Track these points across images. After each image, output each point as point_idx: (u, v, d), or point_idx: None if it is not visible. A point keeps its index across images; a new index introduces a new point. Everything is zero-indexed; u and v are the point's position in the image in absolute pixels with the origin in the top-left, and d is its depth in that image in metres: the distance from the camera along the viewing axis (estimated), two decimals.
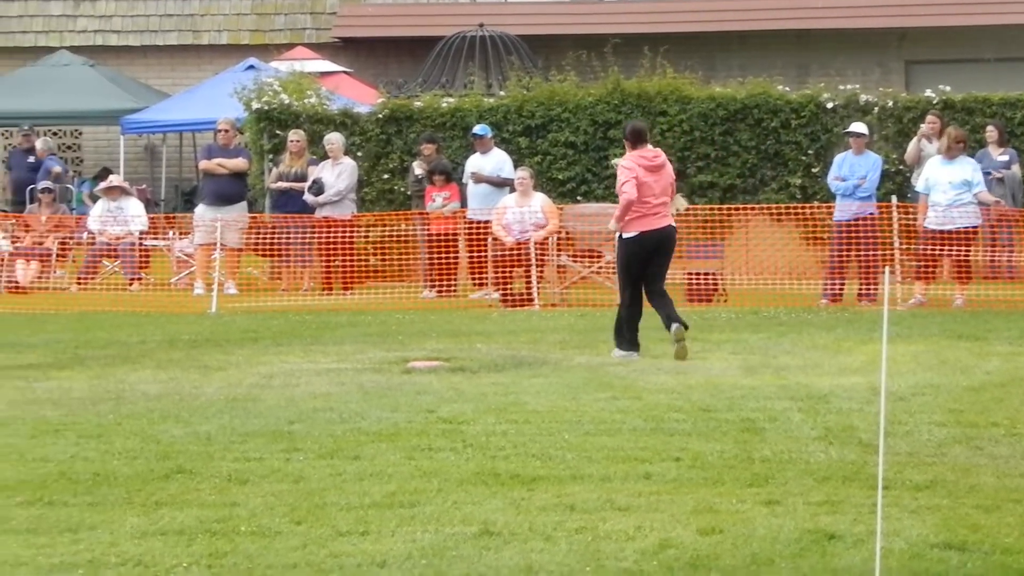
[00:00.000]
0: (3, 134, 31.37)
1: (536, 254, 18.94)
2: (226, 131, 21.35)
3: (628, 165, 13.96)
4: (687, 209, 16.68)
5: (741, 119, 21.80)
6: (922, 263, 18.45)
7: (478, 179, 20.22)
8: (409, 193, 21.18)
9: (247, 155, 21.57)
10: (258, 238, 20.92)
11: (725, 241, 20.09)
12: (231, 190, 21.03)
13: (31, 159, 26.46)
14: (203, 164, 21.21)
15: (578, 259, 19.87)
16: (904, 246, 18.83)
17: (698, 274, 19.13)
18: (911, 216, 18.82)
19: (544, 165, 21.63)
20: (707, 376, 12.67)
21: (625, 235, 13.99)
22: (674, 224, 14.33)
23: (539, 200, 19.45)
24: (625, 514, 7.90)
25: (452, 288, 19.93)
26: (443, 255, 19.92)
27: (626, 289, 14.08)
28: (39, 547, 7.38)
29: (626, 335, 14.02)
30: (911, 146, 20.45)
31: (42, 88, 28.85)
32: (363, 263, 20.61)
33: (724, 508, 8.01)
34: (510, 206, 19.52)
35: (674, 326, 13.76)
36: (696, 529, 7.57)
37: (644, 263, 14.04)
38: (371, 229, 20.77)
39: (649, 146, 14.27)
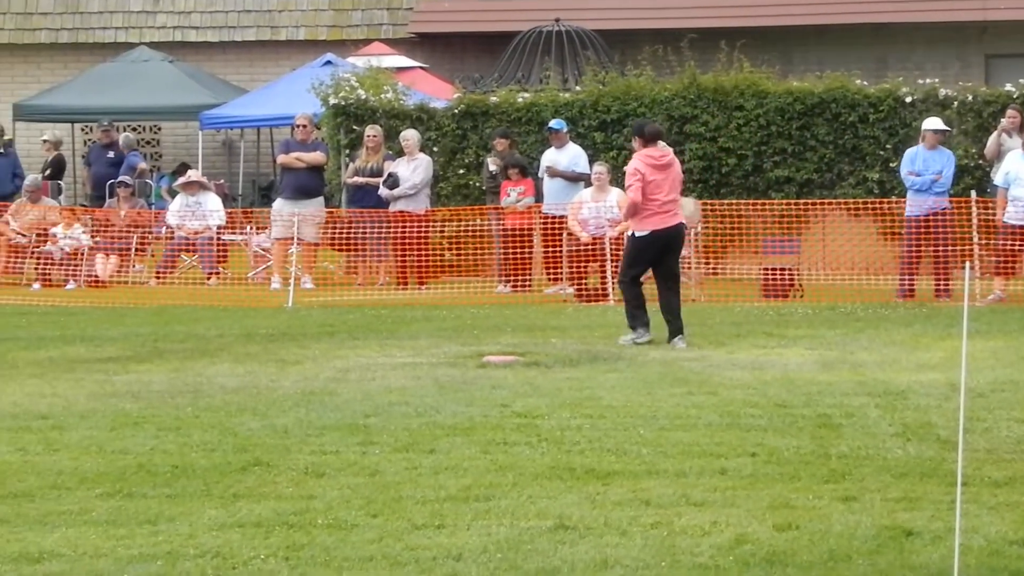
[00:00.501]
0: (83, 129, 31.67)
1: (611, 249, 18.91)
2: (304, 126, 21.46)
3: (635, 167, 14.44)
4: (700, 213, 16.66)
5: (818, 113, 21.67)
6: (1001, 258, 18.27)
7: (553, 173, 20.21)
8: (484, 188, 21.21)
9: (324, 149, 21.67)
10: (334, 233, 21.00)
11: (801, 236, 19.99)
12: (309, 184, 21.14)
13: (111, 154, 26.68)
14: (281, 158, 21.33)
15: None
16: (983, 241, 18.66)
17: (774, 269, 19.04)
18: (990, 211, 18.65)
19: (619, 160, 21.56)
20: (783, 372, 12.61)
21: (638, 233, 14.49)
22: (684, 222, 14.81)
23: (615, 195, 19.42)
24: (701, 509, 7.89)
25: (527, 283, 19.93)
26: (518, 250, 19.93)
27: (628, 272, 14.63)
28: (119, 538, 7.46)
29: (639, 317, 14.52)
30: (991, 141, 20.25)
31: (122, 84, 29.11)
32: (438, 258, 20.65)
33: (800, 504, 7.98)
34: (586, 201, 19.49)
35: (677, 343, 14.27)
36: (772, 525, 7.55)
37: (653, 261, 14.55)
38: (446, 224, 20.80)
39: (661, 144, 14.70)
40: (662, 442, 9.59)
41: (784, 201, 20.57)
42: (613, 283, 18.93)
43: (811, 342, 14.52)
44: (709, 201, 20.40)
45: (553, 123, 20.60)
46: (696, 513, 7.81)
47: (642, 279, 14.74)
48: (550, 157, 20.42)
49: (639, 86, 21.99)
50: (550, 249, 19.79)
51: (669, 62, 23.12)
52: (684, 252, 19.28)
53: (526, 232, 20.02)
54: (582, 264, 19.20)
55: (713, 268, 19.87)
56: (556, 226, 19.66)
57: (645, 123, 15.44)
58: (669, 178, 14.50)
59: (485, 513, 7.85)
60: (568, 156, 20.36)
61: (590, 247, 19.11)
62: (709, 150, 21.63)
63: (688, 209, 15.23)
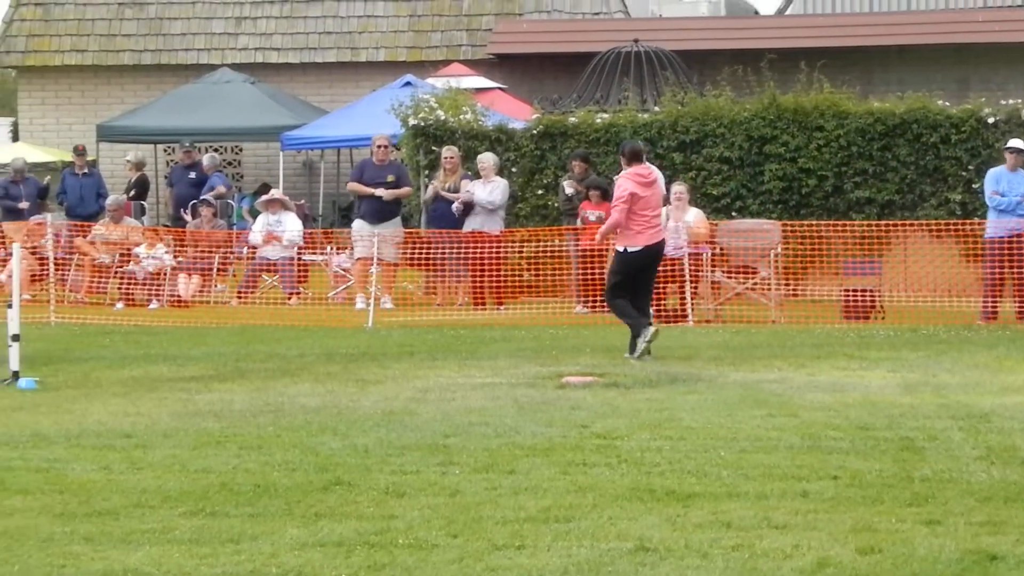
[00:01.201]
0: (166, 150, 31.99)
1: (690, 270, 18.87)
2: (383, 147, 21.55)
3: (626, 187, 15.14)
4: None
5: (900, 134, 21.54)
6: None
7: None
8: (560, 210, 21.20)
9: (401, 171, 21.69)
10: (414, 253, 21.09)
11: (883, 258, 19.86)
12: (387, 206, 21.22)
13: (192, 175, 26.93)
14: (352, 186, 21.33)
15: (732, 275, 19.76)
16: None
17: (855, 291, 18.93)
18: None
19: (698, 181, 21.55)
20: (865, 394, 12.53)
21: (631, 249, 15.17)
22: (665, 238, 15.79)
23: (693, 215, 19.39)
24: (782, 532, 7.85)
25: (605, 304, 19.89)
26: (595, 270, 19.91)
27: (616, 291, 15.25)
28: (202, 557, 7.52)
29: (638, 322, 15.01)
30: None
31: (204, 105, 29.38)
32: (516, 278, 20.67)
33: (883, 527, 7.92)
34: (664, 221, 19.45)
35: (640, 346, 14.89)
36: (855, 548, 7.50)
37: (637, 275, 15.30)
38: (524, 244, 20.83)
39: (646, 163, 15.55)
40: (743, 464, 9.55)
41: (865, 222, 20.45)
42: (692, 304, 18.89)
43: (893, 364, 14.42)
44: (788, 222, 20.31)
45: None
46: (778, 536, 7.77)
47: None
48: None
49: (718, 106, 21.95)
50: None
51: (749, 82, 23.06)
52: (764, 273, 19.37)
53: (604, 253, 20.00)
54: (661, 284, 19.15)
55: (793, 289, 19.79)
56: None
57: (627, 143, 16.25)
58: (655, 195, 15.42)
59: (565, 534, 7.85)
60: None
61: (669, 267, 19.05)
62: (789, 171, 21.54)
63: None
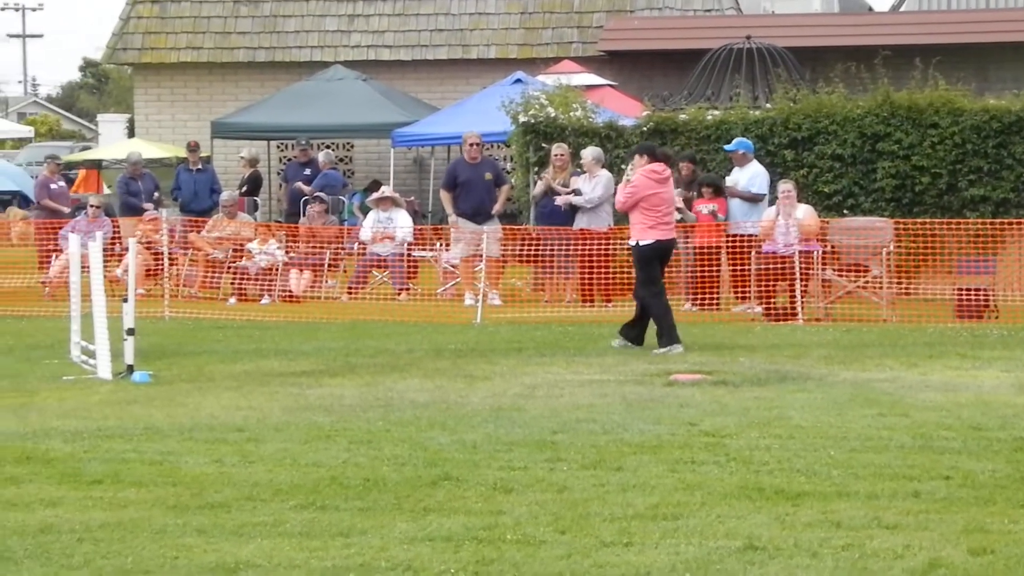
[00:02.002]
0: (279, 147, 32.29)
1: (800, 268, 18.74)
2: (475, 144, 21.57)
3: (639, 182, 15.73)
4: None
5: (1015, 132, 21.24)
6: None
7: (732, 194, 20.14)
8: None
9: (494, 167, 21.71)
10: (523, 250, 21.11)
11: (997, 256, 19.60)
12: (485, 204, 21.24)
13: (307, 172, 27.15)
14: (444, 197, 21.43)
15: (844, 273, 19.59)
16: None
17: (969, 290, 18.70)
18: None
19: (810, 178, 21.40)
20: (977, 394, 12.39)
21: (643, 242, 15.75)
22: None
23: (802, 211, 19.25)
24: (893, 532, 7.79)
25: (714, 302, 19.83)
26: (705, 268, 19.84)
27: (651, 286, 15.71)
28: (312, 550, 7.59)
29: (672, 331, 15.46)
30: None
31: (316, 102, 29.63)
32: (625, 275, 20.62)
33: (996, 528, 7.84)
34: (773, 218, 19.33)
35: (625, 343, 15.63)
36: (967, 549, 7.43)
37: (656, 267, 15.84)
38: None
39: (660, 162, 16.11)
40: (853, 464, 9.48)
41: (979, 220, 20.20)
42: (803, 302, 18.76)
43: (1007, 364, 14.25)
44: (902, 220, 20.11)
45: (728, 146, 20.54)
46: (888, 536, 7.71)
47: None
48: (733, 177, 20.37)
49: (831, 103, 21.77)
50: (738, 267, 19.66)
51: (862, 79, 22.86)
52: (876, 271, 19.20)
53: (714, 250, 19.93)
54: (771, 282, 19.05)
55: (905, 288, 19.59)
56: (743, 245, 19.53)
57: (653, 145, 17.25)
58: (668, 191, 16.00)
59: (673, 532, 7.84)
60: (747, 176, 20.24)
61: (779, 265, 18.95)
62: (902, 168, 21.33)
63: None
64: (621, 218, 21.32)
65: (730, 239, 19.78)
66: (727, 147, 20.49)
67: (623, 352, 15.46)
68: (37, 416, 11.61)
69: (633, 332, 15.85)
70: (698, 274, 19.82)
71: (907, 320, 18.41)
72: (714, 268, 19.84)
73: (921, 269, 19.85)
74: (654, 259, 15.84)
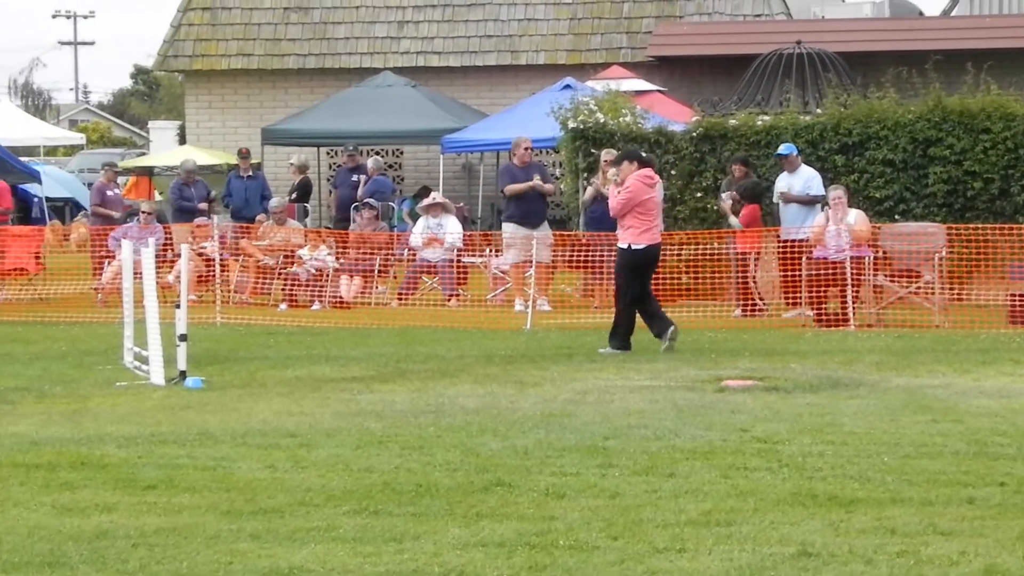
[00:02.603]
0: (328, 153, 32.40)
1: (852, 273, 18.67)
2: (529, 149, 21.59)
3: (635, 187, 16.05)
4: None
5: None
6: None
7: (787, 199, 20.05)
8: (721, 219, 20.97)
9: (541, 171, 21.73)
10: (572, 255, 21.11)
11: None
12: (536, 210, 21.26)
13: (355, 178, 27.23)
14: (511, 188, 21.38)
15: (895, 279, 19.51)
16: None
17: (1021, 295, 18.58)
18: None
19: (861, 183, 21.32)
20: None
21: (636, 247, 16.09)
22: None
23: (853, 216, 19.18)
24: (948, 539, 7.75)
25: (762, 307, 19.75)
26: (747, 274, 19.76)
27: (632, 292, 16.05)
28: (365, 555, 7.61)
29: (621, 333, 15.98)
30: None
31: (366, 108, 29.72)
32: (675, 281, 20.60)
33: None
34: (823, 224, 19.27)
35: (667, 338, 15.89)
36: (1023, 555, 7.38)
37: (644, 273, 16.26)
38: (683, 247, 20.74)
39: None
40: (907, 470, 9.44)
41: None
42: (854, 308, 18.68)
43: None
44: (953, 225, 20.01)
45: (781, 148, 20.47)
46: (943, 542, 7.67)
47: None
48: (784, 182, 20.27)
49: (882, 108, 21.68)
50: (788, 273, 19.60)
51: (913, 84, 22.76)
52: (928, 277, 19.10)
53: (755, 256, 19.84)
54: (822, 288, 18.98)
55: (957, 294, 19.48)
56: (794, 250, 19.46)
57: (639, 151, 17.67)
58: (656, 196, 16.55)
59: (727, 538, 7.82)
60: (801, 180, 20.17)
61: (830, 271, 18.88)
62: (954, 173, 21.23)
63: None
64: (671, 224, 21.35)
65: (782, 244, 19.70)
66: (781, 151, 20.41)
67: (674, 358, 15.44)
68: (91, 422, 11.69)
69: (655, 327, 16.13)
70: (739, 280, 19.74)
71: (959, 326, 18.31)
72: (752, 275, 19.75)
73: (973, 274, 19.74)
74: (644, 264, 16.28)
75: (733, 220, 20.03)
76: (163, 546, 7.82)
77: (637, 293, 16.16)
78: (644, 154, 17.32)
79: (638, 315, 16.25)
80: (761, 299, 19.78)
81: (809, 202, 19.96)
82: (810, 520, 8.19)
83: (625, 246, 16.22)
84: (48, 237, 26.61)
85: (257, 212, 25.30)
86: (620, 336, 16.09)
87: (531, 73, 31.98)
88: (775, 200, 20.33)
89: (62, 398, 13.03)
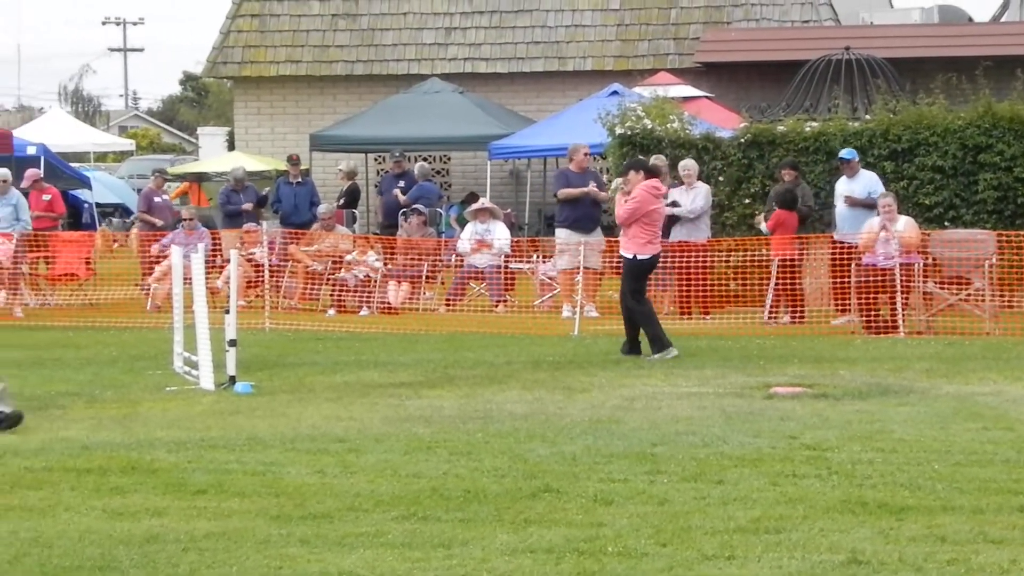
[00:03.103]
0: (376, 159, 32.48)
1: (901, 280, 18.58)
2: (586, 155, 21.60)
3: (642, 197, 16.22)
4: None
5: None
6: None
7: (852, 203, 19.95)
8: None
9: (597, 178, 21.72)
10: (620, 261, 21.04)
11: None
12: (589, 215, 21.26)
13: (401, 183, 27.29)
14: (564, 192, 21.36)
15: (945, 286, 19.41)
16: None
17: None
18: None
19: (910, 190, 21.22)
20: None
21: (640, 256, 16.34)
22: None
23: (903, 223, 19.09)
24: (999, 547, 7.71)
25: (800, 314, 19.65)
26: (788, 280, 19.68)
27: (639, 296, 16.33)
28: (414, 561, 7.62)
29: (661, 336, 16.05)
30: None
31: (414, 115, 29.79)
32: (723, 287, 20.55)
33: None
34: (875, 230, 19.18)
35: (654, 356, 15.84)
36: None
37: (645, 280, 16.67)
38: (731, 254, 20.70)
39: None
40: (957, 477, 9.39)
41: None
42: (904, 314, 18.60)
43: None
44: (1004, 232, 19.89)
45: (844, 153, 20.37)
46: (994, 551, 7.63)
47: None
48: (844, 187, 20.18)
49: (931, 115, 21.58)
50: (839, 279, 19.53)
51: (963, 90, 22.65)
52: (978, 284, 18.99)
53: (795, 263, 19.76)
54: (872, 295, 18.90)
55: (1008, 301, 19.36)
56: (847, 255, 19.37)
57: (644, 161, 17.73)
58: (663, 208, 17.04)
59: (776, 545, 7.80)
60: (862, 184, 20.09)
61: (880, 278, 18.80)
62: (1004, 180, 21.10)
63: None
64: (719, 230, 21.30)
65: (836, 250, 19.61)
66: (843, 155, 20.28)
67: (722, 365, 15.41)
68: (141, 426, 11.75)
69: (628, 344, 16.30)
70: (778, 286, 19.65)
71: (1010, 333, 18.20)
72: (797, 281, 19.66)
73: (1023, 281, 19.62)
74: (647, 272, 16.66)
75: (761, 226, 19.97)
76: (213, 550, 7.85)
77: (642, 298, 16.45)
78: (651, 164, 17.63)
79: (629, 317, 16.45)
80: (775, 308, 19.68)
81: (874, 205, 19.85)
82: (860, 528, 8.16)
83: (630, 255, 16.41)
84: (99, 243, 26.79)
85: (306, 218, 25.40)
86: (654, 337, 16.12)
87: (578, 79, 32.00)
88: (836, 204, 20.22)
89: (112, 403, 13.10)
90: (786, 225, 19.84)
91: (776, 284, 19.69)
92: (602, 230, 21.78)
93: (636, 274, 16.48)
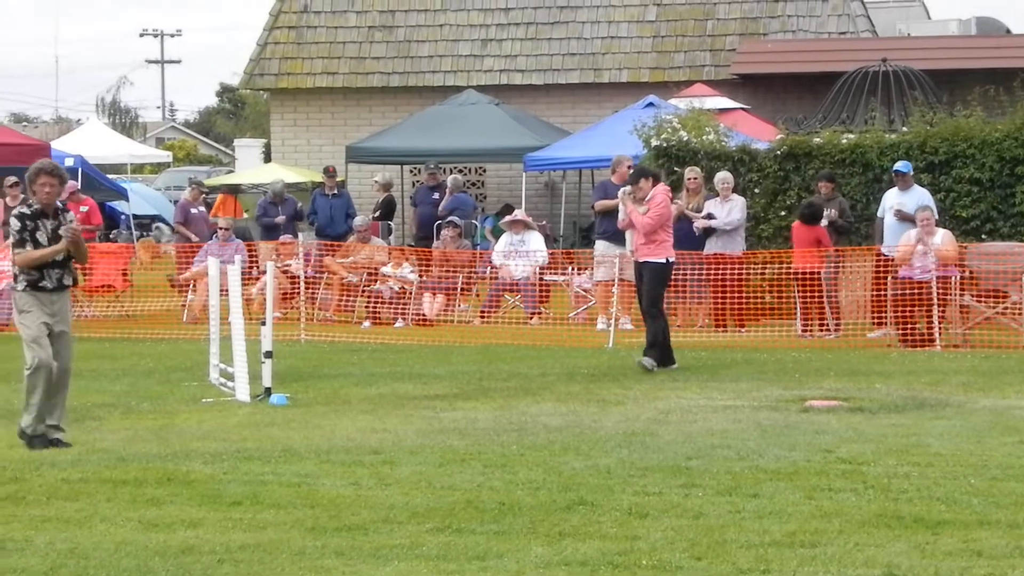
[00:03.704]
0: (412, 171, 32.53)
1: (938, 293, 18.51)
2: (630, 167, 21.55)
3: (665, 202, 16.39)
4: None
5: None
6: None
7: (903, 217, 19.81)
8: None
9: None
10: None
11: None
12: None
13: (435, 195, 27.33)
14: (601, 204, 21.33)
15: (982, 299, 19.33)
16: None
17: None
18: None
19: (947, 203, 21.14)
20: None
21: (671, 259, 16.52)
22: None
23: (940, 236, 19.02)
24: None
25: (831, 327, 19.57)
26: (809, 293, 19.61)
27: (661, 304, 16.49)
28: (448, 573, 7.62)
29: (662, 345, 16.17)
30: None
31: (449, 126, 29.83)
32: (758, 300, 20.51)
33: None
34: (912, 244, 19.11)
35: (646, 361, 16.02)
36: None
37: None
38: (767, 266, 20.65)
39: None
40: (994, 492, 9.35)
41: None
42: (940, 327, 18.53)
43: None
44: None
45: (900, 166, 20.28)
46: None
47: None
48: (894, 199, 20.05)
49: (968, 127, 21.50)
50: (876, 292, 19.46)
51: (1000, 102, 22.56)
52: (1015, 297, 18.90)
53: (816, 276, 19.67)
54: (908, 308, 18.83)
55: None
56: (892, 268, 19.27)
57: (651, 168, 18.12)
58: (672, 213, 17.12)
59: (811, 559, 7.78)
60: (915, 198, 19.94)
61: (916, 291, 18.74)
62: None
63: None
64: (755, 243, 21.26)
65: (881, 262, 19.54)
66: (899, 168, 20.17)
67: (757, 378, 15.37)
68: (177, 438, 11.79)
69: (660, 354, 16.22)
70: (800, 299, 19.59)
71: None
72: (817, 294, 19.58)
73: None
74: (670, 276, 16.79)
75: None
76: (248, 562, 7.87)
77: (661, 309, 16.53)
78: (661, 172, 18.11)
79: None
80: (807, 320, 19.61)
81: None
82: (896, 542, 8.13)
83: (664, 260, 16.43)
84: (141, 254, 26.88)
85: (342, 230, 25.45)
86: (658, 346, 16.27)
87: (614, 91, 31.99)
88: (879, 215, 20.10)
89: (149, 414, 13.15)
90: (803, 239, 19.76)
91: (800, 297, 19.62)
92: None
93: (665, 279, 16.60)
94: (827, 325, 19.56)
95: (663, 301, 16.69)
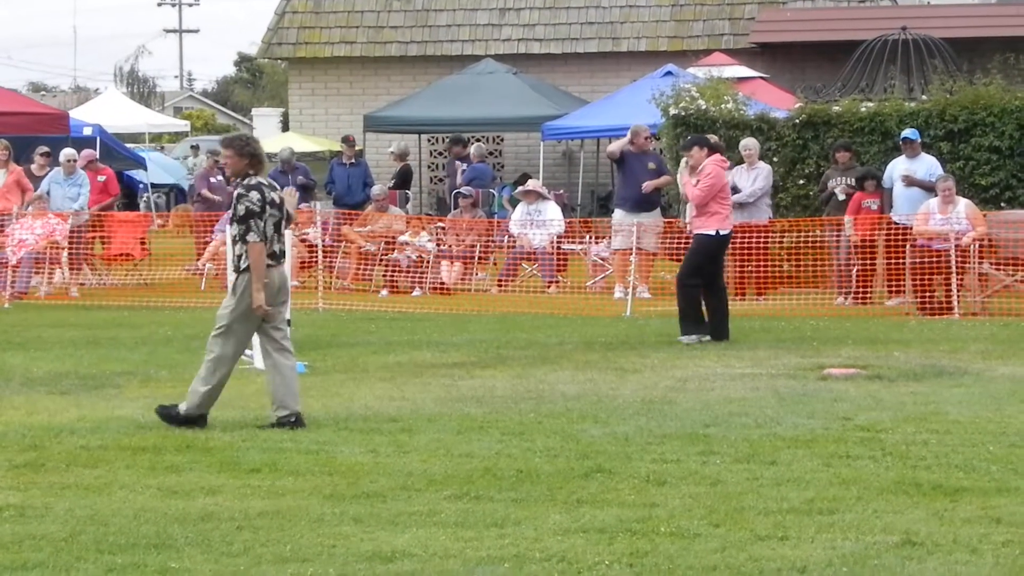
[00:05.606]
0: (430, 140, 32.50)
1: (957, 261, 18.47)
2: (649, 138, 21.53)
3: (716, 172, 16.03)
4: None
5: None
6: None
7: (910, 183, 19.77)
8: (823, 211, 20.75)
9: (657, 160, 21.63)
10: (675, 244, 21.03)
11: None
12: (648, 195, 21.19)
13: (464, 166, 27.27)
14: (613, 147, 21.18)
15: (1001, 267, 19.28)
16: None
17: None
18: None
19: (966, 171, 21.07)
20: None
21: (723, 232, 16.07)
22: None
23: (963, 206, 18.96)
24: None
25: (867, 296, 19.58)
26: (863, 262, 19.60)
27: (698, 277, 15.96)
28: (467, 540, 7.64)
29: (693, 317, 15.83)
30: None
31: (467, 96, 29.78)
32: (777, 268, 20.48)
33: None
34: (933, 212, 19.07)
35: (682, 339, 15.69)
36: None
37: (718, 258, 16.37)
38: (785, 235, 20.62)
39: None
40: (1012, 459, 9.34)
41: None
42: (959, 295, 18.49)
43: None
44: None
45: (907, 133, 20.21)
46: None
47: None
48: (903, 167, 20.02)
49: (988, 95, 21.41)
50: (893, 261, 19.42)
51: (1020, 70, 22.47)
52: None
53: (872, 244, 19.67)
54: (927, 276, 18.79)
55: None
56: (902, 237, 19.25)
57: (705, 136, 17.51)
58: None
59: (829, 526, 7.78)
60: (924, 166, 19.91)
61: (935, 259, 18.69)
62: None
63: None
64: (773, 211, 21.20)
65: (891, 231, 19.50)
66: (907, 135, 20.10)
67: (775, 346, 15.36)
68: None
69: (712, 327, 15.90)
70: (857, 268, 19.59)
71: None
72: (870, 262, 19.61)
73: None
74: (724, 248, 16.48)
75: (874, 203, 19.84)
76: (267, 528, 7.90)
77: (700, 279, 15.99)
78: (714, 141, 17.39)
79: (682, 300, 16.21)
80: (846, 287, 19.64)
81: (932, 188, 19.70)
82: (914, 509, 8.13)
83: (712, 232, 16.02)
84: (171, 222, 26.83)
85: (359, 199, 25.43)
86: (691, 320, 15.93)
87: (632, 60, 31.90)
88: (886, 185, 20.05)
89: (167, 382, 13.19)
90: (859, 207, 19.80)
91: (858, 266, 19.61)
92: (662, 210, 21.68)
93: (714, 252, 16.18)
94: (869, 294, 19.53)
95: (702, 273, 16.01)
